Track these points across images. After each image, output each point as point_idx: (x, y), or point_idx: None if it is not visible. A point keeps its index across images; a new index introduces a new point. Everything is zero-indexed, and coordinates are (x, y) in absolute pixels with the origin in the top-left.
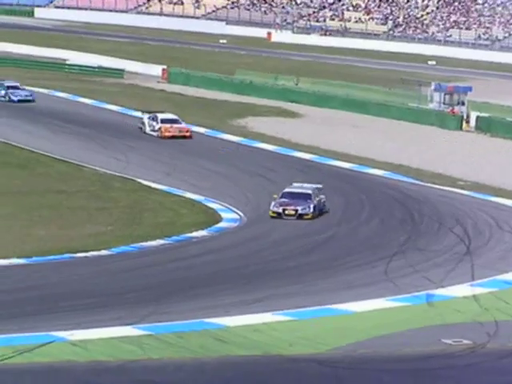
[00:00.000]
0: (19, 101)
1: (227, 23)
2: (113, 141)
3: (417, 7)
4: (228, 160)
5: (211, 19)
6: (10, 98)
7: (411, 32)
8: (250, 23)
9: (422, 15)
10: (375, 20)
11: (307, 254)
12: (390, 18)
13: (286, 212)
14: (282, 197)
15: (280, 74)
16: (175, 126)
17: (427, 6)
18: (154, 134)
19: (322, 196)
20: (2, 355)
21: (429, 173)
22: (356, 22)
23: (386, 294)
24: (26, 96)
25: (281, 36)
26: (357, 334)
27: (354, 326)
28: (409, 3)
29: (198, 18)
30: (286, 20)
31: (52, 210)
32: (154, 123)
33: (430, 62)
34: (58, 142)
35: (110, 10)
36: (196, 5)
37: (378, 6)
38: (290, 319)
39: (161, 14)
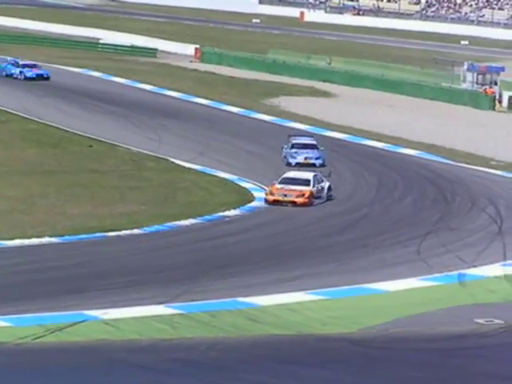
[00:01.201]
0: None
1: (260, 2)
2: (145, 120)
3: None
4: (260, 139)
5: None
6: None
7: (444, 12)
8: (283, 2)
9: None
10: None
11: (340, 234)
12: None
13: None
14: None
15: (313, 54)
16: (288, 187)
17: None
18: None
19: None
20: (33, 334)
21: (461, 153)
22: (389, 1)
23: (419, 274)
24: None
25: (313, 15)
26: (389, 314)
27: (386, 306)
28: None
29: None
30: None
31: (85, 188)
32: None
33: (462, 42)
34: (91, 121)
35: None
36: None
37: None
38: (323, 298)
39: None
